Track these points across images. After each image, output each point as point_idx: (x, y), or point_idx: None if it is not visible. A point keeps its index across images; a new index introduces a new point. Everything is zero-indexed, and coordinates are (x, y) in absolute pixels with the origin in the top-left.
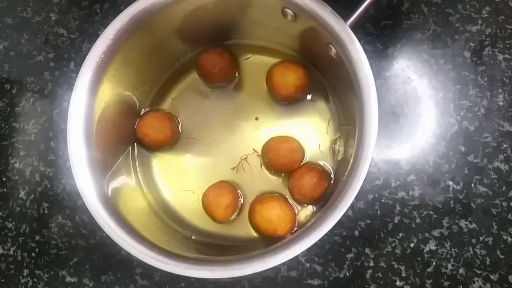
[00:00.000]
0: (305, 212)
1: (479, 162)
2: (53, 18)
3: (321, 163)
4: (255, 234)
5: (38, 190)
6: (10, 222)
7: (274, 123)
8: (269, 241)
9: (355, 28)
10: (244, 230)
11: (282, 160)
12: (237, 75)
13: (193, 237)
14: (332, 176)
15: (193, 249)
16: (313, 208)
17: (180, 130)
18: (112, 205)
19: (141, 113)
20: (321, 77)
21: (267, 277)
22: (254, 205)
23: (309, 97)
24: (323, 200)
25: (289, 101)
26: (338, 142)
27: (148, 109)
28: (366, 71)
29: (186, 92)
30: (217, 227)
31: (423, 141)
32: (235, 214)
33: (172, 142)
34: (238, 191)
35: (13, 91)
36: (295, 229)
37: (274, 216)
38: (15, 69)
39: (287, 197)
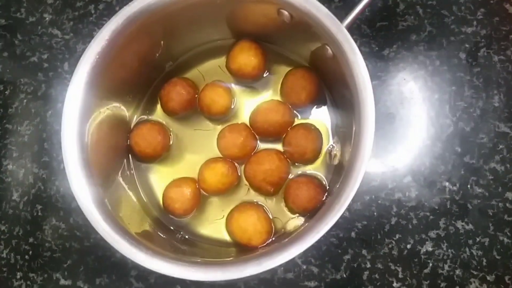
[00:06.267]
0: (295, 222)
1: (475, 163)
2: (47, 18)
3: (318, 175)
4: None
5: (31, 192)
6: (3, 224)
7: None
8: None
9: (350, 29)
10: None
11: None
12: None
13: (180, 234)
14: (327, 186)
15: (188, 251)
16: (303, 219)
17: (171, 143)
18: (106, 207)
19: (135, 121)
20: (319, 79)
21: (263, 279)
22: (232, 212)
23: (266, 74)
24: (315, 213)
25: (240, 79)
26: (335, 147)
27: (144, 117)
28: (362, 72)
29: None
30: (213, 230)
31: (419, 142)
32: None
33: (161, 156)
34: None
35: (6, 92)
36: (270, 240)
37: (250, 226)
38: (9, 70)
39: (267, 205)
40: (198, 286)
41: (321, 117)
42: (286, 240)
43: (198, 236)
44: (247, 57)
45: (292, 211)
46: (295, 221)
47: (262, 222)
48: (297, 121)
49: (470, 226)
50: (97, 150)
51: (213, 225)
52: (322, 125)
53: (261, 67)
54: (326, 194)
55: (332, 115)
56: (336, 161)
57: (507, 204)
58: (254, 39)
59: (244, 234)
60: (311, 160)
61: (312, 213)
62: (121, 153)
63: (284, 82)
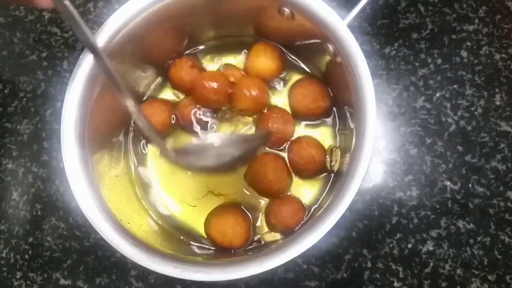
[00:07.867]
0: (273, 236)
1: (476, 162)
2: (46, 17)
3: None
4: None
5: (31, 192)
6: (2, 224)
7: None
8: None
9: (351, 27)
10: None
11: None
12: None
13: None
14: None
15: (189, 251)
16: (281, 236)
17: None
18: (106, 206)
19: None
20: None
21: (264, 279)
22: (209, 218)
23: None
24: (295, 231)
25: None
26: (334, 152)
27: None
28: (363, 70)
29: None
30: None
31: (420, 141)
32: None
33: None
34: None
35: (5, 91)
36: (251, 241)
37: (229, 229)
38: (8, 68)
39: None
40: (198, 286)
41: (324, 125)
42: (287, 240)
43: (197, 235)
44: (264, 61)
45: (274, 228)
46: (273, 236)
47: (240, 223)
48: (300, 133)
49: (471, 226)
50: (97, 149)
51: None
52: (325, 132)
53: (279, 70)
54: (306, 214)
55: (332, 116)
56: (336, 167)
57: (509, 203)
58: (270, 41)
59: (224, 237)
60: (311, 176)
61: (292, 231)
62: (121, 153)
63: (292, 90)
